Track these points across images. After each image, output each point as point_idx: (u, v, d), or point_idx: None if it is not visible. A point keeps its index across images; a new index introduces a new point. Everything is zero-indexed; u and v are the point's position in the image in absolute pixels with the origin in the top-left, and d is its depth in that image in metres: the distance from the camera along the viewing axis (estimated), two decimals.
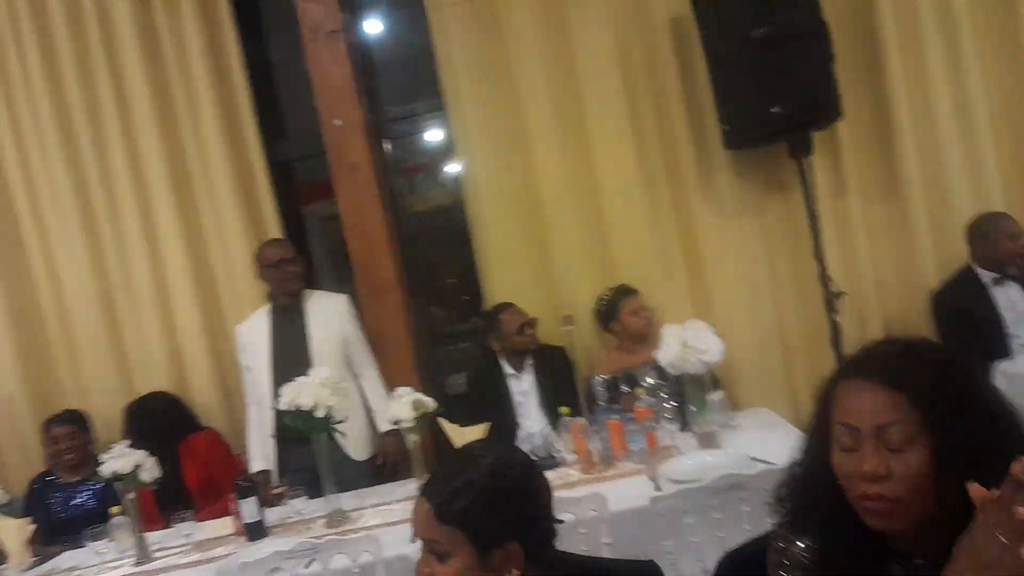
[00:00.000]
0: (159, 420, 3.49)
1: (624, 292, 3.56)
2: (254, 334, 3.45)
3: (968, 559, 0.95)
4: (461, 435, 2.77)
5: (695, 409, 2.89)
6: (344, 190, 3.64)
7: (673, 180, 3.70)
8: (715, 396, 3.01)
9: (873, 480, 1.08)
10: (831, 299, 3.50)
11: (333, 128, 3.59)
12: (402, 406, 2.77)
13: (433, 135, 4.66)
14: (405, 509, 2.80)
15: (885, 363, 1.14)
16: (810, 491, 1.20)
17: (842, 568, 1.17)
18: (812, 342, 3.62)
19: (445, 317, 5.44)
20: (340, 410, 2.75)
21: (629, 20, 3.65)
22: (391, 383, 3.28)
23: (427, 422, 2.81)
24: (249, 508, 2.71)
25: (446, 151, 4.53)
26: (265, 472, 3.36)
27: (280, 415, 2.80)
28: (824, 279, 3.52)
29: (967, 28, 3.54)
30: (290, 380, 2.77)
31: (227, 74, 3.78)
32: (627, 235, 3.68)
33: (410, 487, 2.99)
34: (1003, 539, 0.90)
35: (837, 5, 3.43)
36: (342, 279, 4.61)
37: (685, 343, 2.66)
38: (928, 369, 1.14)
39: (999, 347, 3.24)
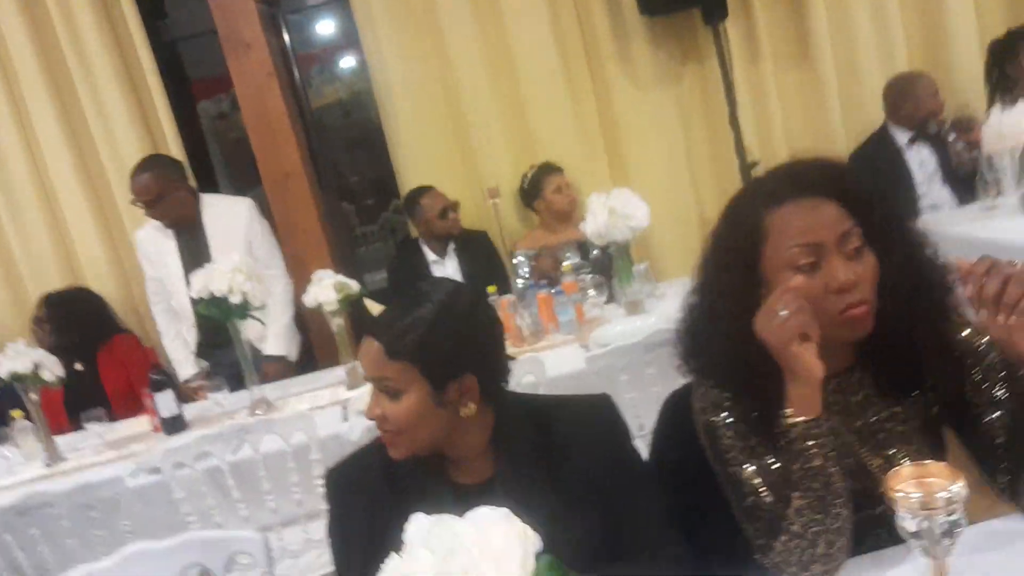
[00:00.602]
0: (82, 314, 3.24)
1: (548, 170, 3.48)
2: (158, 244, 3.17)
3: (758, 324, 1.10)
4: None
5: (621, 281, 2.88)
6: (239, 71, 3.37)
7: (589, 51, 3.59)
8: (640, 267, 3.00)
9: (850, 289, 1.09)
10: (747, 169, 3.52)
11: (221, 3, 3.29)
12: (323, 288, 2.64)
13: (330, 23, 4.36)
14: (333, 394, 2.72)
15: (818, 178, 1.15)
16: (726, 336, 1.18)
17: (758, 406, 1.18)
18: None
19: (355, 214, 5.26)
20: (256, 296, 2.59)
21: None
22: (307, 274, 3.11)
23: (349, 305, 2.70)
24: (165, 402, 2.56)
25: (345, 38, 4.23)
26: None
27: (193, 304, 2.63)
28: (740, 148, 3.53)
29: None
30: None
31: None
32: (546, 111, 3.58)
33: (337, 373, 2.89)
34: (783, 312, 1.06)
35: None
36: (237, 181, 4.35)
37: (612, 210, 2.62)
38: (853, 177, 1.18)
39: (910, 207, 3.34)
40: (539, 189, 3.47)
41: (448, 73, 3.56)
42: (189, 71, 4.21)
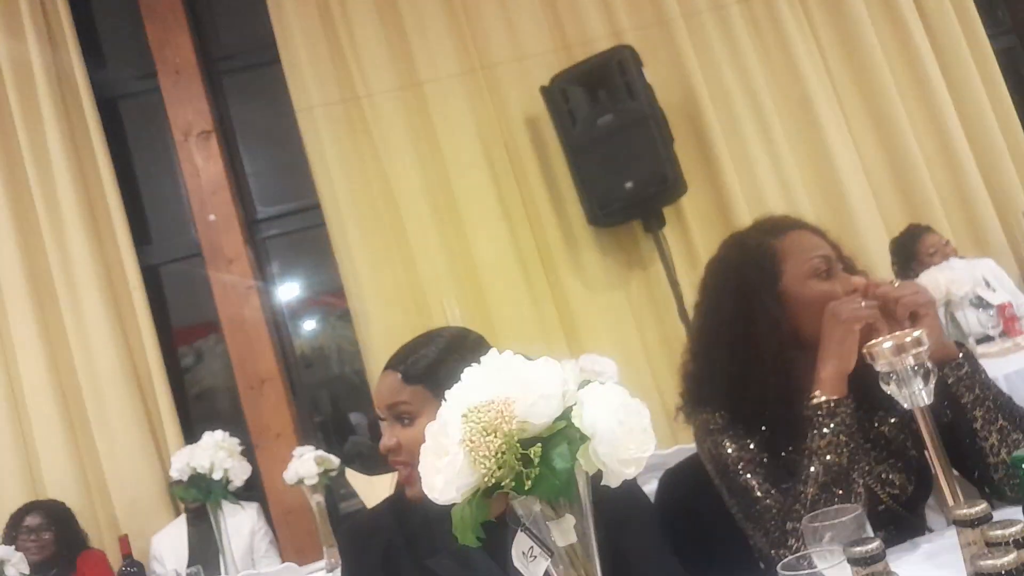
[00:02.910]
0: (66, 527, 3.17)
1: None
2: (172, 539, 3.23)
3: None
4: (370, 485, 2.68)
5: None
6: (220, 283, 3.60)
7: (545, 260, 3.95)
8: None
9: (855, 290, 1.31)
10: None
11: (208, 224, 3.61)
12: (304, 463, 2.66)
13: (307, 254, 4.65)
14: None
15: (797, 219, 1.48)
16: (743, 359, 1.38)
17: (757, 416, 1.37)
18: None
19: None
20: (238, 475, 2.59)
21: (490, 122, 4.02)
22: (278, 478, 3.07)
23: (330, 479, 2.70)
24: None
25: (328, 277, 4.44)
26: None
27: (172, 488, 2.60)
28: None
29: (771, 109, 4.15)
30: None
31: (92, 180, 3.70)
32: (508, 312, 3.83)
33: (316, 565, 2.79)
34: (864, 302, 1.27)
35: (668, 98, 3.93)
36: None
37: (582, 368, 2.78)
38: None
39: None
40: None
41: (415, 282, 3.82)
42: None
